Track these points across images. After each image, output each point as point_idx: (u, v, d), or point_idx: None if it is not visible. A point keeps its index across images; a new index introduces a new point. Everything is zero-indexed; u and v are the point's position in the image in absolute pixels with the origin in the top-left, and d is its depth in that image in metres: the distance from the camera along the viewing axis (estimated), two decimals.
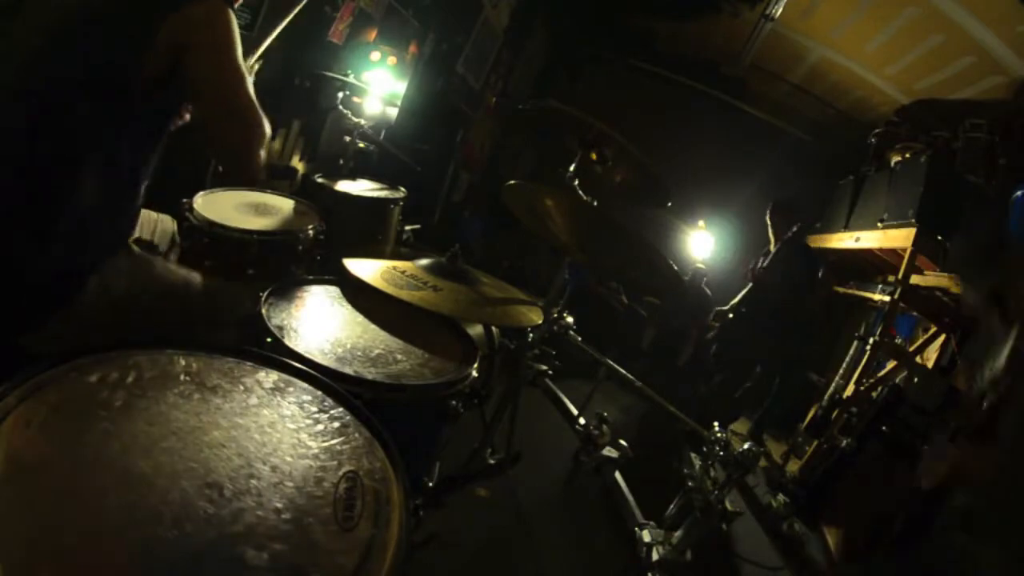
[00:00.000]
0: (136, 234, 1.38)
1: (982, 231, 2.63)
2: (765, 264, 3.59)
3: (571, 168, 1.79)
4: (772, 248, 3.68)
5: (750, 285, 3.64)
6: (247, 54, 1.17)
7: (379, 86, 3.40)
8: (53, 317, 0.98)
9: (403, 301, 1.12)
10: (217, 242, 1.41)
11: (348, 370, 0.96)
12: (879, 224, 3.18)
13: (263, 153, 1.11)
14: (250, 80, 1.06)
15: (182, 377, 0.74)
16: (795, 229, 3.58)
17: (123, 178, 1.06)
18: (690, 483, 1.37)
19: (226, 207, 1.56)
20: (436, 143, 4.50)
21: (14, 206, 0.93)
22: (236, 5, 1.06)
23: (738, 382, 3.60)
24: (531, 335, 1.68)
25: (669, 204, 1.96)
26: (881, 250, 3.29)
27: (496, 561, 1.84)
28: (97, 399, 0.65)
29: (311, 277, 1.30)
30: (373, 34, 3.53)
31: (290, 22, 1.61)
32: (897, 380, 2.84)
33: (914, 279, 2.80)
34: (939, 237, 2.75)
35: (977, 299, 1.53)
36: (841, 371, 3.69)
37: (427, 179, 4.39)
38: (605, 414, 1.83)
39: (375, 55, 3.53)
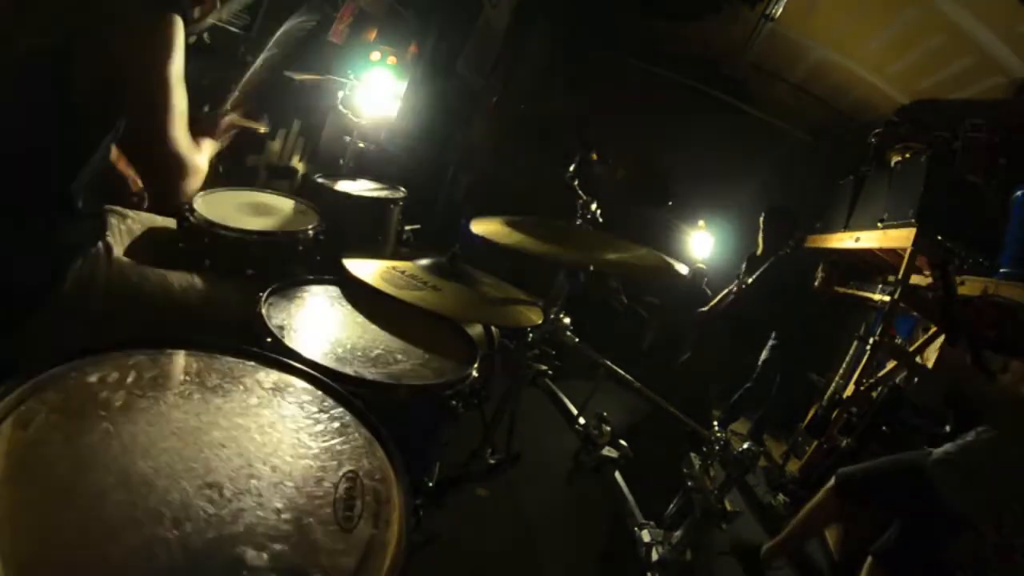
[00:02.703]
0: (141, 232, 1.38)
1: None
2: (750, 281, 3.49)
3: (571, 168, 1.79)
4: (759, 252, 3.59)
5: (731, 297, 3.54)
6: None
7: (379, 86, 3.40)
8: (32, 319, 0.98)
9: (403, 301, 1.12)
10: (217, 242, 1.41)
11: (348, 370, 0.96)
12: (879, 224, 3.18)
13: (187, 184, 1.03)
14: (179, 101, 0.95)
15: (182, 377, 0.74)
16: (791, 245, 3.48)
17: (95, 178, 1.05)
18: (690, 483, 1.37)
19: (226, 207, 1.56)
20: (436, 143, 4.50)
21: None
22: (194, 14, 0.99)
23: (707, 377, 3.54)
24: (531, 335, 1.68)
25: (669, 203, 1.95)
26: (881, 250, 3.29)
27: (496, 561, 1.84)
28: (97, 399, 0.65)
29: (311, 277, 1.30)
30: (373, 34, 3.53)
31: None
32: (897, 380, 2.84)
33: (914, 279, 2.80)
34: (939, 237, 2.75)
35: None
36: (841, 371, 3.69)
37: (427, 179, 4.38)
38: (605, 414, 1.83)
39: (375, 55, 3.53)
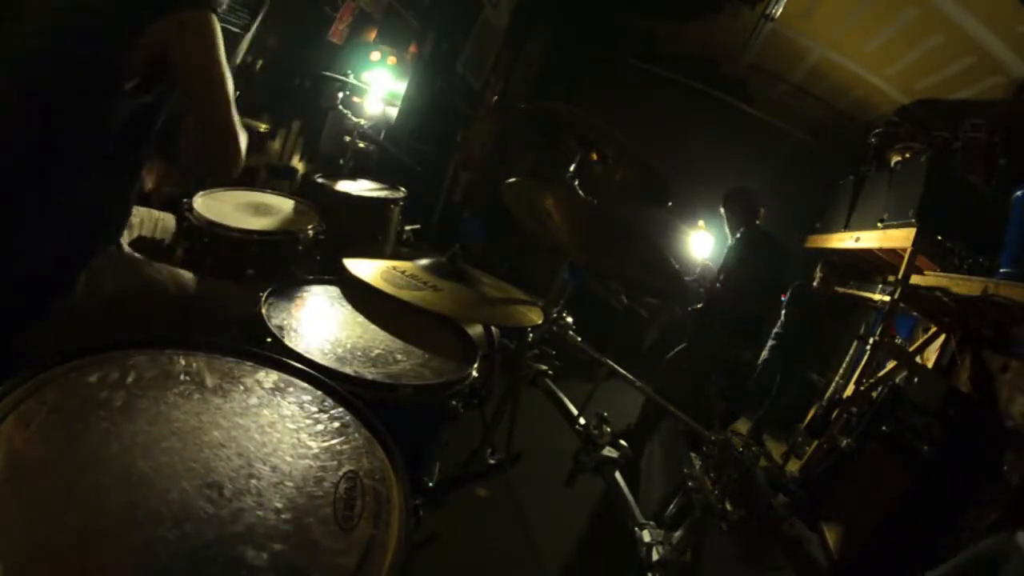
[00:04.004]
0: (137, 232, 1.38)
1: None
2: (723, 274, 3.27)
3: (571, 168, 1.78)
4: (730, 241, 3.36)
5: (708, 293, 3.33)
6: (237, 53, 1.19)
7: (379, 86, 3.40)
8: (47, 315, 0.99)
9: (403, 301, 1.12)
10: (217, 242, 1.42)
11: (348, 370, 0.96)
12: (879, 224, 3.18)
13: (241, 159, 1.15)
14: (231, 88, 1.09)
15: (182, 377, 0.73)
16: (743, 229, 3.23)
17: (116, 173, 1.06)
18: (690, 483, 1.36)
19: (226, 207, 1.56)
20: (436, 143, 4.50)
21: (8, 202, 0.93)
22: (221, 9, 1.08)
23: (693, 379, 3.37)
24: (531, 335, 1.68)
25: (669, 204, 1.95)
26: (881, 250, 3.29)
27: (496, 561, 1.84)
28: (97, 399, 0.65)
29: (311, 277, 1.30)
30: (373, 34, 3.54)
31: (290, 21, 1.62)
32: (897, 380, 2.84)
33: (914, 279, 2.80)
34: (939, 237, 2.75)
35: None
36: (841, 371, 3.69)
37: (427, 179, 4.38)
38: (605, 414, 1.83)
39: (375, 55, 3.54)
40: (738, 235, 3.23)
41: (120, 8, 0.97)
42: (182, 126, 1.19)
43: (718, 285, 3.19)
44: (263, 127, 2.83)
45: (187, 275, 1.22)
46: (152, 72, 1.00)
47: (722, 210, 3.37)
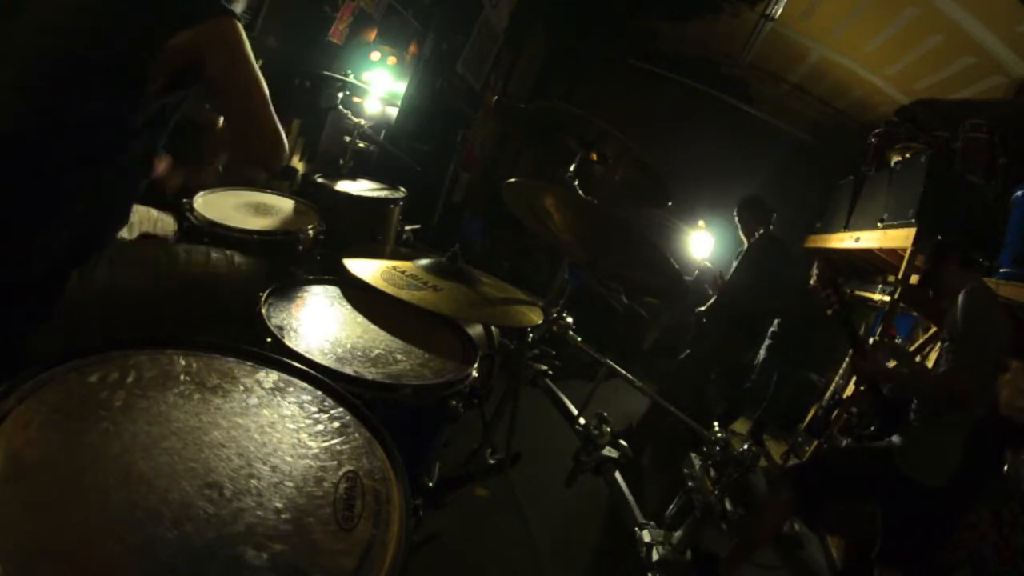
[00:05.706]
0: (138, 230, 1.39)
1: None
2: (732, 271, 3.29)
3: (571, 168, 1.79)
4: (744, 245, 3.37)
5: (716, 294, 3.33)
6: None
7: (379, 86, 3.40)
8: (53, 316, 0.99)
9: (403, 301, 1.12)
10: (217, 242, 1.42)
11: (348, 370, 0.96)
12: (879, 224, 3.18)
13: (286, 149, 1.22)
14: (265, 84, 1.12)
15: (182, 377, 0.73)
16: (760, 231, 3.26)
17: (127, 174, 1.06)
18: (690, 483, 1.36)
19: (226, 207, 1.56)
20: (436, 143, 4.50)
21: (16, 204, 0.93)
22: (240, 11, 1.09)
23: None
24: (531, 335, 1.68)
25: (669, 204, 1.96)
26: (881, 250, 3.29)
27: (496, 561, 1.84)
28: (97, 399, 0.65)
29: (311, 277, 1.30)
30: (373, 34, 3.53)
31: (290, 22, 1.62)
32: None
33: (914, 279, 2.80)
34: (939, 237, 2.75)
35: None
36: (841, 371, 3.68)
37: (427, 179, 4.38)
38: (605, 414, 1.83)
39: (375, 55, 3.54)
40: (753, 238, 3.25)
41: (138, 15, 0.97)
42: (210, 127, 1.25)
43: (728, 279, 3.20)
44: None
45: (185, 247, 1.25)
46: (178, 77, 1.01)
47: (735, 217, 3.38)
